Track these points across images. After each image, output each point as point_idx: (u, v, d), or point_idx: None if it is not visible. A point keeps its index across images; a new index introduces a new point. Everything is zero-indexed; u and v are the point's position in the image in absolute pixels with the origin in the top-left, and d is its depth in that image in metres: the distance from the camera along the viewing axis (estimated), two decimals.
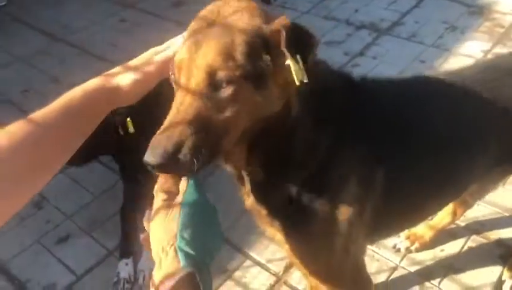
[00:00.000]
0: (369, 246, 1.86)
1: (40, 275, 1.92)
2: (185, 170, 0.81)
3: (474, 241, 1.86)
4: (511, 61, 1.35)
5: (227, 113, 0.84)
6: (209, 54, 0.82)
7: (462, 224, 1.91)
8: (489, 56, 2.85)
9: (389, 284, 1.75)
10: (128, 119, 1.51)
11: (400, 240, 1.85)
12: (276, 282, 1.79)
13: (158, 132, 0.82)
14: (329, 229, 1.07)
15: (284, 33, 0.82)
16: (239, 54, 0.83)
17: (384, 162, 1.07)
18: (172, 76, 0.89)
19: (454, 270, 1.76)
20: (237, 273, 1.84)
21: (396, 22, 3.29)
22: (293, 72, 0.83)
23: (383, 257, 1.84)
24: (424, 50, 2.99)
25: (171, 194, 0.87)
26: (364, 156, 1.05)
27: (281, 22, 0.85)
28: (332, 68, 1.05)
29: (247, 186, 1.07)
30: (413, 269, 1.79)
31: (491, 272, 1.74)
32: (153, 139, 0.81)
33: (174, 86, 0.90)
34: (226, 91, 0.83)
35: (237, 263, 1.87)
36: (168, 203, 0.85)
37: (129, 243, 1.90)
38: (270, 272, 1.82)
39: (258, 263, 1.85)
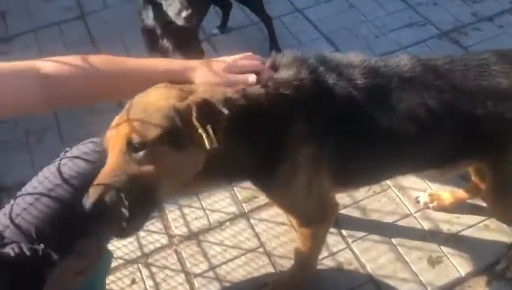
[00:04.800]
0: (394, 190, 2.10)
1: None
2: (120, 219, 1.08)
3: (492, 222, 1.97)
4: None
5: (148, 169, 1.08)
6: (128, 125, 1.09)
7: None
8: None
9: (395, 227, 1.99)
10: None
11: (423, 194, 2.04)
12: None
13: (93, 185, 1.10)
14: (292, 184, 1.36)
15: (194, 109, 1.08)
16: (153, 124, 1.08)
17: (333, 133, 1.31)
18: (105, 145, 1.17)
19: (457, 238, 1.94)
20: None
21: None
22: (205, 140, 1.08)
23: (403, 202, 2.06)
24: None
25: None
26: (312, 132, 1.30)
27: (192, 99, 1.10)
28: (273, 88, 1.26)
29: None
30: (423, 222, 2.00)
31: (490, 254, 1.88)
32: (90, 189, 1.09)
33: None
34: (142, 152, 1.08)
35: None
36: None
37: None
38: None
39: None
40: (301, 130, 1.28)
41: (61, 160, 1.43)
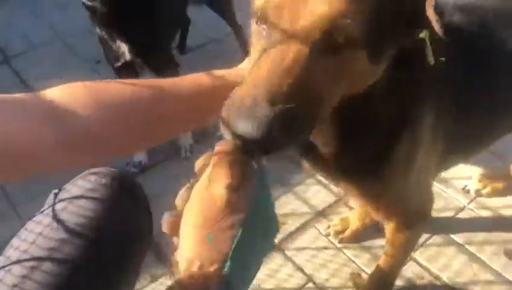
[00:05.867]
0: (436, 184, 1.81)
1: None
2: (275, 148, 0.65)
3: None
4: None
5: (331, 80, 0.70)
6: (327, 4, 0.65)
7: None
8: None
9: (453, 224, 1.69)
10: None
11: (471, 182, 1.77)
12: (336, 202, 1.78)
13: (248, 86, 0.66)
14: (404, 170, 1.01)
15: None
16: (368, 8, 0.67)
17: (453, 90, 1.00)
18: (262, 22, 0.72)
19: None
20: (299, 188, 1.84)
21: None
22: (428, 49, 0.73)
23: (451, 196, 1.78)
24: None
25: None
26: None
27: None
28: None
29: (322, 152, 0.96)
30: (482, 212, 1.72)
31: None
32: (242, 96, 0.65)
33: (261, 32, 0.73)
34: (340, 53, 0.68)
35: (299, 179, 1.87)
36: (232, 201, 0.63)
37: None
38: (331, 191, 1.81)
39: (320, 182, 1.84)
40: (426, 88, 0.93)
41: (54, 205, 0.97)
